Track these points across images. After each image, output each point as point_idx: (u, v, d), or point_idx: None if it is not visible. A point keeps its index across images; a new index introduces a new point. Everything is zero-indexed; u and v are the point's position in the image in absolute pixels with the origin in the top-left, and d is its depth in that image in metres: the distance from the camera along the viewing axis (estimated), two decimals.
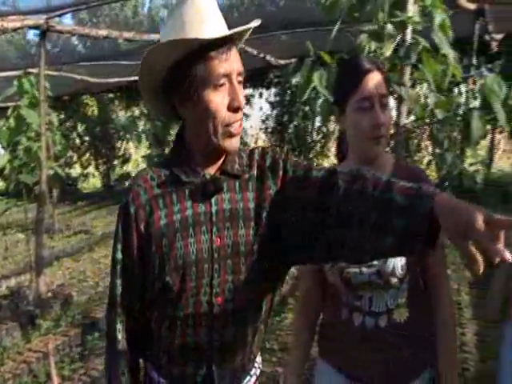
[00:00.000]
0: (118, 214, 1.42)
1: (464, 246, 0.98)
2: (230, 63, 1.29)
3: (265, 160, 1.42)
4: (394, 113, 2.81)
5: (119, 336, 1.42)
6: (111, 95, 14.15)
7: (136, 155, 15.32)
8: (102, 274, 6.29)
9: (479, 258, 0.96)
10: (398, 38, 2.82)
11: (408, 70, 2.82)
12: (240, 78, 1.33)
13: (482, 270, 0.96)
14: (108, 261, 6.80)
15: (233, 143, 1.34)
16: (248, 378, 1.52)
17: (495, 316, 1.90)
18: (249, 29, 1.35)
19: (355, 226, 1.21)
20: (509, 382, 1.70)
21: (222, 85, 1.29)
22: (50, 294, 5.34)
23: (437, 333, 1.71)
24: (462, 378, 3.45)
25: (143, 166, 13.99)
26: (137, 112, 14.62)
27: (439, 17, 2.73)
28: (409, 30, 2.80)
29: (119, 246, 1.41)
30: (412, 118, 3.26)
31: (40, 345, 4.32)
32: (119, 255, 1.41)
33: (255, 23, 1.34)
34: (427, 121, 3.01)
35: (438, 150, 3.15)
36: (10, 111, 5.23)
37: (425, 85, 2.90)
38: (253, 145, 12.43)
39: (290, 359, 1.92)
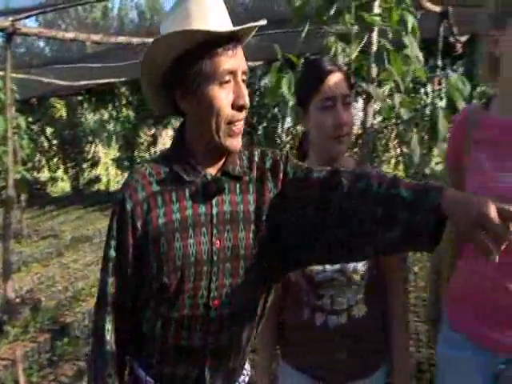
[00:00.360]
0: (113, 210, 1.38)
1: (477, 236, 1.01)
2: (236, 60, 1.28)
3: (265, 162, 1.41)
4: (360, 113, 2.85)
5: (108, 336, 1.38)
6: (80, 98, 14.01)
7: (105, 158, 15.19)
8: (71, 279, 6.22)
9: (492, 246, 0.99)
10: (365, 39, 2.86)
11: (375, 70, 2.86)
12: (244, 77, 1.32)
13: (497, 259, 0.99)
14: (77, 265, 6.76)
15: (234, 142, 1.33)
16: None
17: (432, 316, 1.94)
18: (255, 27, 1.33)
19: (356, 225, 1.21)
20: (444, 380, 1.74)
21: (227, 82, 1.28)
22: (18, 300, 5.25)
23: (390, 328, 1.76)
24: (430, 373, 3.50)
25: (112, 169, 13.90)
26: (106, 115, 14.51)
27: (411, 20, 2.77)
28: (375, 32, 2.83)
29: (113, 243, 1.37)
30: (379, 118, 3.30)
31: (8, 352, 4.25)
32: (112, 253, 1.36)
33: (262, 22, 1.33)
34: (394, 121, 3.06)
35: (405, 150, 3.20)
36: None
37: (388, 86, 2.92)
38: None
39: (258, 360, 1.92)
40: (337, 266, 1.66)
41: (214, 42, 1.25)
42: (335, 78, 1.67)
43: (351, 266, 1.66)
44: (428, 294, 1.98)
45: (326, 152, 1.71)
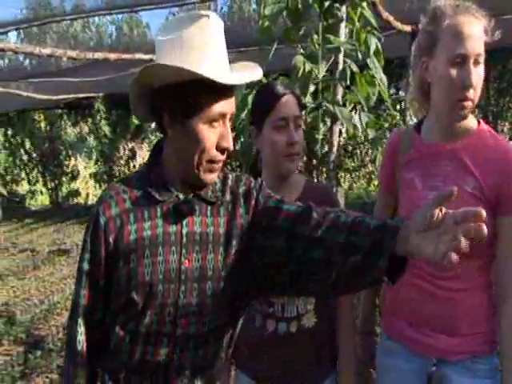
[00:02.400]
0: (88, 223, 1.40)
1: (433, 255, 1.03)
2: (229, 104, 1.32)
3: (238, 187, 1.44)
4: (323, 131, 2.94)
5: (79, 347, 1.40)
6: (59, 111, 14.00)
7: (85, 172, 15.16)
8: (47, 292, 6.19)
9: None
10: (331, 59, 2.96)
11: (340, 90, 2.96)
12: (230, 121, 1.35)
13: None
14: (53, 279, 6.75)
15: (211, 177, 1.36)
16: None
17: (365, 328, 2.02)
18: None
19: (322, 253, 1.25)
20: None
21: (217, 122, 1.31)
22: None
23: (338, 339, 1.84)
24: None
25: (92, 182, 13.88)
26: (85, 129, 14.51)
27: (374, 43, 2.88)
28: (341, 53, 2.93)
29: (86, 256, 1.39)
30: (344, 136, 3.39)
31: None
32: (86, 265, 1.39)
33: (259, 74, 1.38)
34: (358, 140, 3.17)
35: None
36: None
37: (352, 106, 3.03)
38: None
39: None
40: None
41: (214, 84, 1.25)
42: (288, 100, 1.77)
43: None
44: (362, 307, 2.05)
45: (278, 169, 1.80)
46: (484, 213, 0.97)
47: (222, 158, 1.35)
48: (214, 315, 1.40)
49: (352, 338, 1.87)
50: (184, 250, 1.35)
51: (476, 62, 1.54)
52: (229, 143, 1.33)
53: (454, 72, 1.54)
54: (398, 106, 4.93)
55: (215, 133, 1.31)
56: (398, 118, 4.39)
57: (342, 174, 10.97)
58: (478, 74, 1.55)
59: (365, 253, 1.20)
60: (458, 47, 1.53)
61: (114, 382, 1.45)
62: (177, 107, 1.30)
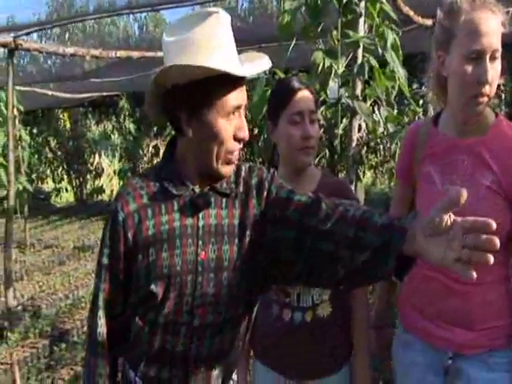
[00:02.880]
0: (107, 220, 1.45)
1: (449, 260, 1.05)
2: (243, 96, 1.37)
3: (251, 178, 1.48)
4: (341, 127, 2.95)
5: (99, 338, 1.45)
6: (84, 110, 14.15)
7: (109, 169, 15.29)
8: (72, 287, 6.30)
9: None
10: (350, 55, 2.98)
11: (359, 85, 2.97)
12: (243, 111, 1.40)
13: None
14: (78, 274, 6.85)
15: (229, 169, 1.41)
16: None
17: (379, 322, 2.03)
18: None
19: (331, 246, 1.28)
20: (406, 383, 1.84)
21: (233, 114, 1.35)
22: (19, 307, 5.37)
23: (353, 330, 1.87)
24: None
25: (116, 179, 13.99)
26: (110, 126, 14.64)
27: (391, 37, 2.89)
28: (360, 48, 2.94)
29: (106, 251, 1.43)
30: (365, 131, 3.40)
31: (8, 357, 4.34)
32: (105, 260, 1.43)
33: (268, 63, 1.41)
34: (379, 135, 3.17)
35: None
36: None
37: (372, 101, 3.04)
38: None
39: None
40: None
41: (228, 78, 1.30)
42: (303, 95, 1.82)
43: None
44: (376, 301, 2.06)
45: (294, 163, 1.84)
46: (494, 224, 0.97)
47: (239, 147, 1.39)
48: (230, 305, 1.44)
49: (366, 330, 1.89)
50: (200, 242, 1.40)
51: (492, 58, 1.54)
52: (245, 133, 1.38)
53: (469, 68, 1.54)
54: (422, 101, 4.89)
55: (231, 124, 1.35)
56: (420, 112, 4.36)
57: (365, 170, 10.94)
58: (494, 69, 1.55)
59: (373, 251, 1.22)
60: (475, 44, 1.52)
61: (134, 371, 1.50)
62: (193, 104, 1.34)
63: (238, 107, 1.36)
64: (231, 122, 1.35)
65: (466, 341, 1.65)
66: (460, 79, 1.58)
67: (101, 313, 1.46)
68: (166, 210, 1.40)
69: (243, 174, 1.49)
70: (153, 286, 1.38)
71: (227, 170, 1.41)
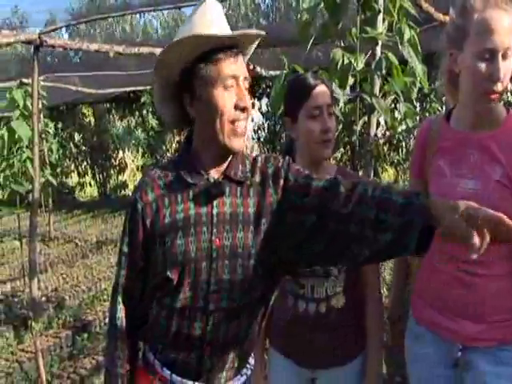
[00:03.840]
0: (127, 210, 1.52)
1: (466, 231, 1.12)
2: (237, 66, 1.42)
3: (267, 167, 1.51)
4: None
5: (118, 322, 1.54)
6: (108, 105, 14.29)
7: (132, 165, 15.41)
8: (95, 280, 6.40)
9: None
10: (369, 52, 3.00)
11: (378, 82, 2.99)
12: (246, 84, 1.45)
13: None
14: (100, 267, 6.96)
15: (237, 142, 1.44)
16: (238, 376, 1.59)
17: (394, 315, 2.05)
18: (256, 37, 1.48)
19: (353, 229, 1.32)
20: (417, 375, 1.86)
21: (230, 86, 1.41)
22: (43, 299, 5.49)
23: (366, 322, 1.91)
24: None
25: (139, 175, 14.11)
26: (133, 122, 14.75)
27: (408, 32, 2.90)
28: (379, 45, 2.96)
29: (126, 240, 1.52)
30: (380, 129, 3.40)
31: (32, 345, 4.44)
32: (125, 248, 1.52)
33: (260, 32, 1.47)
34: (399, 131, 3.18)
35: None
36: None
37: (392, 97, 3.05)
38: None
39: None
40: None
41: (217, 50, 1.40)
42: (321, 90, 1.87)
43: None
44: (392, 292, 2.09)
45: (313, 156, 1.89)
46: (506, 219, 1.04)
47: (242, 117, 1.44)
48: (244, 291, 1.48)
49: (380, 321, 1.93)
50: (215, 230, 1.44)
51: (505, 56, 1.56)
52: (246, 102, 1.43)
53: (482, 65, 1.56)
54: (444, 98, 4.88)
55: (230, 95, 1.41)
56: (440, 109, 4.36)
57: (386, 166, 10.87)
58: (506, 67, 1.57)
59: (395, 232, 1.27)
60: (487, 42, 1.54)
61: (153, 354, 1.56)
62: (192, 85, 1.43)
63: (234, 77, 1.42)
64: (230, 92, 1.41)
65: (475, 333, 1.67)
66: (472, 76, 1.60)
67: (120, 298, 1.55)
68: (181, 198, 1.46)
69: (259, 164, 1.53)
70: (169, 273, 1.44)
71: (236, 144, 1.44)
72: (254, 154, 1.58)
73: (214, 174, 1.49)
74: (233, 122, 1.42)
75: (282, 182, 1.48)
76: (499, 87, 1.58)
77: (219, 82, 1.40)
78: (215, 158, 1.49)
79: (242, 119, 1.43)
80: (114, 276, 1.57)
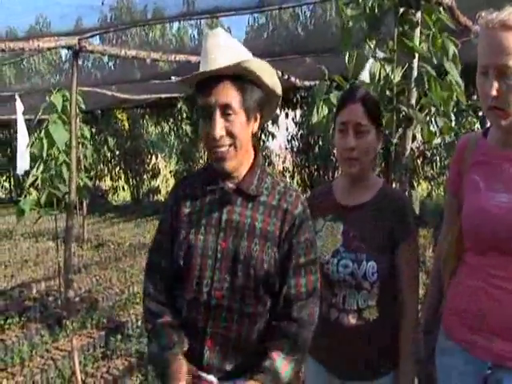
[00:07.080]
0: (163, 207, 1.79)
1: None
2: (213, 96, 1.53)
3: (286, 200, 1.65)
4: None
5: (147, 300, 1.71)
6: (142, 111, 14.48)
7: (165, 170, 15.55)
8: (128, 283, 6.51)
9: None
10: (407, 65, 3.02)
11: (415, 95, 3.01)
12: (229, 111, 1.54)
13: None
14: (133, 270, 7.06)
15: (221, 165, 1.60)
16: (241, 374, 1.64)
17: (427, 328, 2.02)
18: (243, 68, 1.54)
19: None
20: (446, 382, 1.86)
21: (207, 115, 1.55)
22: (77, 299, 5.61)
23: (399, 336, 1.88)
24: None
25: (172, 180, 14.22)
26: (166, 128, 14.89)
27: (451, 48, 2.91)
28: (416, 58, 2.98)
29: (159, 228, 1.77)
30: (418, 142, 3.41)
31: (66, 344, 4.57)
32: (158, 236, 1.76)
33: (245, 61, 1.53)
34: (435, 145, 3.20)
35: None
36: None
37: (431, 110, 3.06)
38: (279, 164, 12.51)
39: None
40: (349, 270, 1.85)
41: (211, 79, 1.54)
42: (354, 107, 1.85)
43: (362, 272, 1.84)
44: (425, 307, 2.06)
45: (343, 170, 1.94)
46: None
47: (216, 144, 1.55)
48: (244, 294, 1.61)
49: (413, 336, 1.89)
50: (222, 234, 1.63)
51: (502, 73, 1.56)
52: (212, 130, 1.53)
53: (481, 82, 1.61)
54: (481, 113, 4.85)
55: (206, 125, 1.56)
56: (476, 124, 4.34)
57: (420, 180, 10.80)
58: (506, 84, 1.56)
59: None
60: (482, 59, 1.59)
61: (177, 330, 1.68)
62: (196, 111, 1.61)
63: (210, 105, 1.53)
64: (208, 122, 1.55)
65: (507, 352, 1.64)
66: (479, 92, 1.66)
67: (151, 278, 1.74)
68: (200, 202, 1.68)
69: (278, 188, 1.68)
70: (180, 261, 1.65)
71: (220, 166, 1.60)
72: (278, 178, 1.73)
73: (229, 184, 1.66)
74: (209, 150, 1.60)
75: (287, 227, 1.63)
76: (498, 104, 1.59)
77: (204, 112, 1.56)
78: (220, 173, 1.66)
79: (217, 146, 1.56)
80: (147, 259, 1.80)
